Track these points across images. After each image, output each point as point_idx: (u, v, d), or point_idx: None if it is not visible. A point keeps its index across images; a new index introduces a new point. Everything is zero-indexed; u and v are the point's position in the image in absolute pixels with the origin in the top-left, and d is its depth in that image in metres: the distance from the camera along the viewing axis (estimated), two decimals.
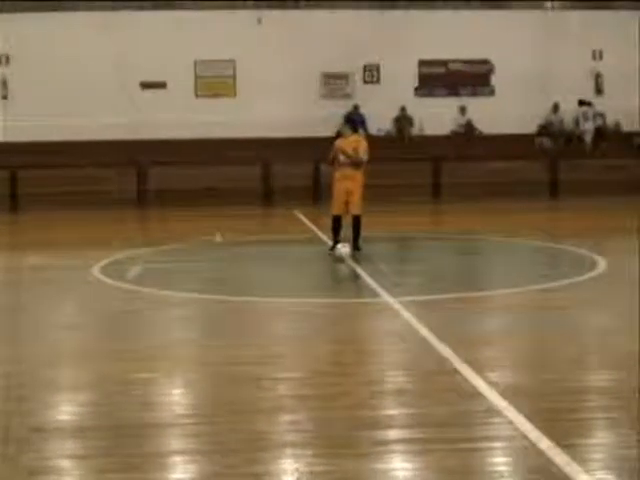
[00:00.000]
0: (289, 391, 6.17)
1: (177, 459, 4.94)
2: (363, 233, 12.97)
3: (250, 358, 7.01)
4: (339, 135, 13.85)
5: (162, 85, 24.01)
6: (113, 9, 23.80)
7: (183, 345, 7.75)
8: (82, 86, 23.10)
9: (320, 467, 4.73)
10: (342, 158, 12.85)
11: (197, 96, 24.39)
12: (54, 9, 23.46)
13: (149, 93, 23.80)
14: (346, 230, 12.91)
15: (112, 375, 6.58)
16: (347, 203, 12.87)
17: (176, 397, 6.23)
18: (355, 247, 12.77)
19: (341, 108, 23.81)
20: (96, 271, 11.55)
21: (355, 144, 12.94)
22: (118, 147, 22.46)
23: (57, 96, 22.97)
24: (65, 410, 5.85)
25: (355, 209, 12.85)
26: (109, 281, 10.83)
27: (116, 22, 23.47)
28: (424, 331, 7.66)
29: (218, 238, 15.07)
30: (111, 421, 5.49)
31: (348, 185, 12.82)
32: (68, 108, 22.88)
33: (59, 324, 8.72)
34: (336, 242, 12.76)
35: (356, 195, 12.85)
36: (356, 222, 12.88)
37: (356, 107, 24.05)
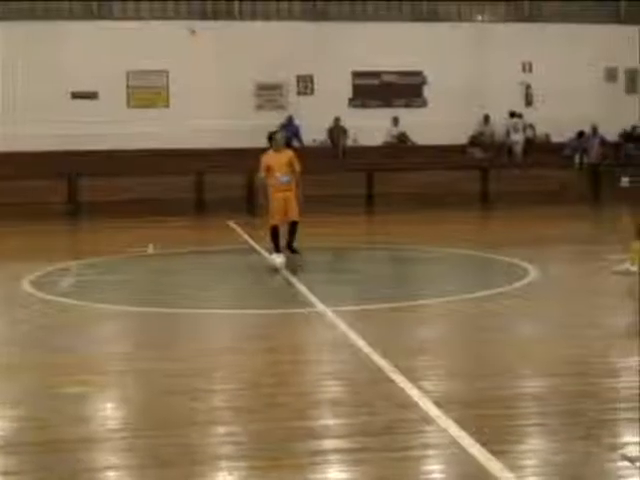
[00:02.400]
0: (223, 403, 6.14)
1: (110, 474, 4.87)
2: (297, 244, 13.03)
3: (184, 370, 6.95)
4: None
5: (93, 95, 23.73)
6: (44, 18, 23.47)
7: (115, 358, 7.65)
8: (13, 96, 22.72)
9: (256, 479, 4.71)
10: (279, 175, 12.82)
11: (129, 106, 24.17)
12: None
13: (80, 103, 23.49)
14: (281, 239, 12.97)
15: (43, 390, 6.47)
16: (285, 212, 12.91)
17: (109, 411, 6.15)
18: (291, 250, 12.90)
19: (275, 119, 23.84)
20: (26, 284, 11.34)
21: (288, 158, 12.94)
22: (48, 158, 22.13)
23: None
24: None
25: (294, 215, 12.92)
26: (39, 294, 10.65)
27: (47, 31, 23.15)
28: (359, 341, 7.68)
29: (150, 249, 14.93)
30: (43, 436, 5.39)
31: (285, 195, 12.86)
32: None
33: None
34: (278, 249, 12.76)
35: (294, 202, 12.91)
36: (293, 227, 13.00)
37: (290, 118, 24.09)
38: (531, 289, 10.56)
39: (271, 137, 13.39)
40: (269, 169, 12.89)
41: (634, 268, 10.87)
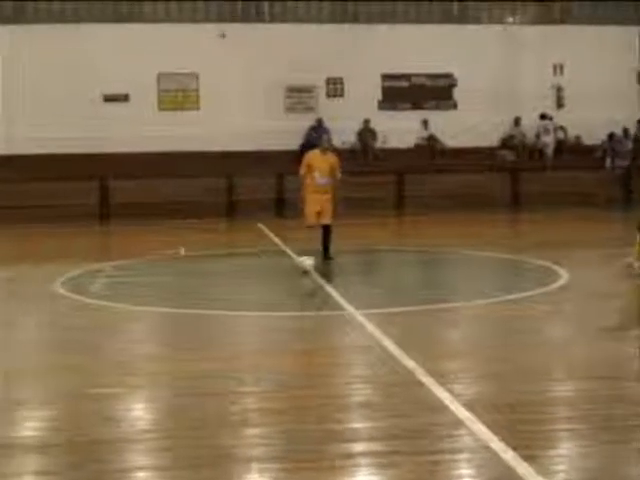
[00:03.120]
0: (255, 405, 6.16)
1: (141, 474, 4.91)
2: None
3: (215, 372, 6.99)
4: (306, 148, 13.93)
5: (125, 98, 23.89)
6: (75, 22, 23.67)
7: (147, 360, 7.71)
8: (44, 99, 22.92)
9: None
10: (317, 175, 12.92)
11: (160, 109, 24.30)
12: (17, 22, 23.30)
13: (112, 106, 23.66)
14: (315, 242, 13.02)
15: (75, 390, 6.53)
16: (319, 214, 13.00)
17: (140, 412, 6.19)
18: (326, 257, 13.04)
19: (305, 121, 23.87)
20: (57, 285, 11.45)
21: (332, 162, 13.13)
22: (81, 160, 22.29)
23: (19, 109, 22.78)
24: (28, 426, 5.79)
25: (327, 219, 13.06)
26: (71, 295, 10.74)
27: (79, 35, 23.34)
28: (389, 343, 7.68)
29: (182, 252, 15.01)
30: (74, 437, 5.44)
31: (322, 197, 13.01)
32: (30, 121, 22.70)
33: (19, 339, 8.62)
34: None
35: (329, 206, 13.05)
36: (327, 231, 13.13)
37: (320, 121, 24.11)
38: (562, 292, 10.50)
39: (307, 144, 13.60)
40: (309, 168, 13.03)
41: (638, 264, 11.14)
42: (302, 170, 13.18)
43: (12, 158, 22.10)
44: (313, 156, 13.23)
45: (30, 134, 22.53)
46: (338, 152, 14.63)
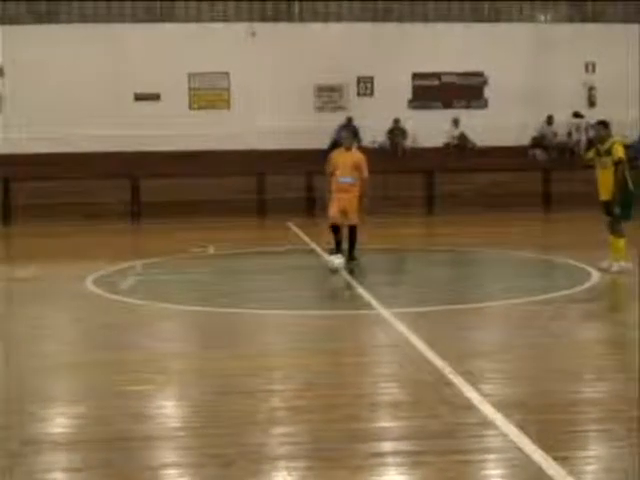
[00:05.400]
0: (283, 403, 6.16)
1: (170, 472, 4.92)
2: (358, 244, 13.03)
3: (244, 370, 7.00)
4: (335, 146, 13.82)
5: (156, 97, 24.02)
6: (107, 21, 23.84)
7: (176, 357, 7.73)
8: (76, 98, 23.08)
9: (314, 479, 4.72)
10: (339, 174, 12.80)
11: (191, 108, 24.41)
12: (49, 21, 23.50)
13: (143, 105, 23.80)
14: (345, 241, 12.98)
15: (105, 387, 6.56)
16: (344, 213, 12.85)
17: (170, 409, 6.21)
18: (350, 257, 12.81)
19: (335, 120, 23.86)
20: (89, 283, 11.52)
21: (356, 159, 12.93)
22: (112, 159, 22.44)
23: (51, 108, 22.93)
24: (58, 423, 5.83)
25: (352, 219, 12.86)
26: (102, 293, 10.81)
27: (111, 34, 23.50)
28: (418, 343, 7.65)
29: (211, 250, 15.06)
30: (104, 434, 5.47)
31: (345, 197, 12.80)
32: (62, 120, 22.87)
33: (51, 336, 8.69)
34: (338, 245, 12.78)
35: (353, 206, 12.84)
36: (352, 232, 12.92)
37: (350, 119, 24.09)
38: (593, 293, 10.41)
39: (335, 142, 13.38)
40: (335, 167, 12.91)
41: (628, 265, 11.22)
42: (329, 168, 13.01)
43: (43, 156, 22.27)
44: (337, 154, 13.10)
45: (61, 132, 22.72)
46: (363, 150, 14.48)
